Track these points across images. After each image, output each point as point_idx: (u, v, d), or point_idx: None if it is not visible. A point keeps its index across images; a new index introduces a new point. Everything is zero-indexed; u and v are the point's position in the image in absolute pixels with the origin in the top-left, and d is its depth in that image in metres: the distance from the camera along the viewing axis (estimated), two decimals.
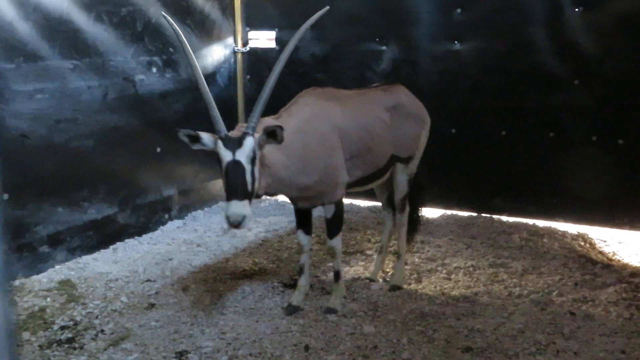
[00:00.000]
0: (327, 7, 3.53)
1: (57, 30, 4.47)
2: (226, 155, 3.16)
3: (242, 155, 3.15)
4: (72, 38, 4.59)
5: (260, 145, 3.23)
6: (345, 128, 3.73)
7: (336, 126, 3.70)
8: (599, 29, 4.98)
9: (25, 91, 4.29)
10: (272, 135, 3.19)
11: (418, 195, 4.44)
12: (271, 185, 3.42)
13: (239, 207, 3.10)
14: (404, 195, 4.25)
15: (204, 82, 3.38)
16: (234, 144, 3.16)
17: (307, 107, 3.69)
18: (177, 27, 3.52)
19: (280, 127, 3.16)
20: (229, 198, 3.14)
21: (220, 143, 3.19)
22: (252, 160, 3.18)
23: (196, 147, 3.31)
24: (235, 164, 3.14)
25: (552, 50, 5.16)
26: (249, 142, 3.16)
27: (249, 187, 3.17)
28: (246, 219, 3.12)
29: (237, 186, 3.14)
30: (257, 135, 3.22)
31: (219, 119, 3.26)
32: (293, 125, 3.50)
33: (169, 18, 3.63)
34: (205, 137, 3.28)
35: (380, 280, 4.36)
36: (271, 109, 3.75)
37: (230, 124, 3.34)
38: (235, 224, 3.11)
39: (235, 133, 3.26)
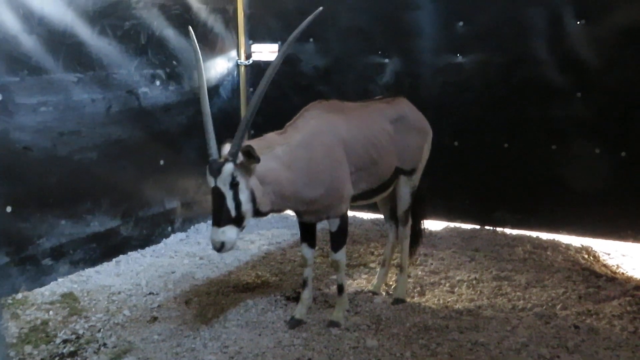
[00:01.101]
0: (321, 8, 3.42)
1: (61, 44, 4.49)
2: (210, 182, 3.27)
3: (221, 182, 3.22)
4: (76, 51, 4.61)
5: (246, 168, 3.24)
6: (350, 141, 3.73)
7: (341, 139, 3.69)
8: (601, 42, 4.99)
9: (29, 104, 4.30)
10: (249, 155, 3.19)
11: (420, 208, 4.43)
12: (275, 202, 3.44)
13: (217, 234, 3.24)
14: (407, 207, 4.24)
15: (207, 105, 3.39)
16: (215, 171, 3.22)
17: (312, 121, 3.68)
18: (197, 45, 3.55)
19: (251, 147, 3.17)
20: (212, 223, 3.28)
21: (207, 168, 3.27)
22: (234, 186, 3.22)
23: None
24: (216, 191, 3.24)
25: (555, 62, 5.17)
26: (227, 169, 3.20)
27: (233, 212, 3.24)
28: (226, 244, 3.25)
29: (216, 213, 3.26)
30: (240, 158, 3.23)
31: (211, 144, 3.32)
32: (299, 139, 3.51)
33: (192, 34, 3.63)
34: None
35: (384, 293, 4.34)
36: (275, 122, 3.75)
37: (233, 136, 3.32)
38: (215, 249, 3.28)
39: (225, 156, 3.28)
